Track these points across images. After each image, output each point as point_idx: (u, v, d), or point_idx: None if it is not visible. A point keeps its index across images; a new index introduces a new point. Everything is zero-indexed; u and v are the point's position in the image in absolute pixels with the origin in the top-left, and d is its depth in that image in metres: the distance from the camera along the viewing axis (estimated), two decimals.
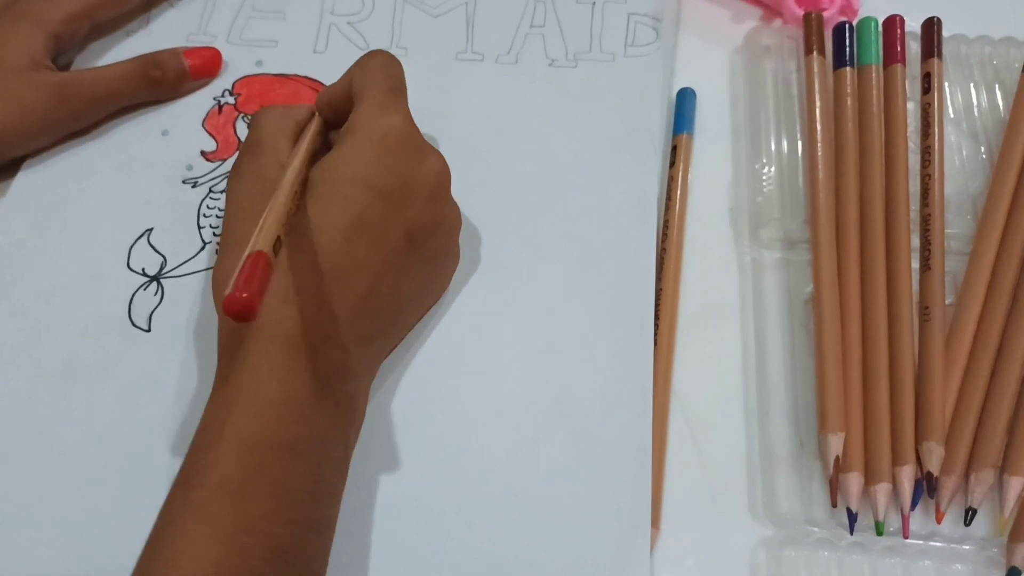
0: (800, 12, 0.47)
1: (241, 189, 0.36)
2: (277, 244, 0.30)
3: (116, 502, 0.36)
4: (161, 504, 0.32)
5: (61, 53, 0.46)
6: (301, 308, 0.32)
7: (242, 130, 0.45)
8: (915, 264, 0.40)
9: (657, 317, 0.39)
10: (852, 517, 0.35)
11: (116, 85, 0.44)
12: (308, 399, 0.32)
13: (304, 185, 0.34)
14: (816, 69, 0.45)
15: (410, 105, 0.39)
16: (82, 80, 0.44)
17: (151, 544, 0.30)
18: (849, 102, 0.43)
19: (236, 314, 0.26)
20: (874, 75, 0.44)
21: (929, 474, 0.35)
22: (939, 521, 0.35)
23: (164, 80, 0.45)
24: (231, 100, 0.46)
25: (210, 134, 0.45)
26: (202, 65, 0.46)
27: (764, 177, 0.44)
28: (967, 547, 0.35)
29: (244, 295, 0.26)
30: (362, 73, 0.37)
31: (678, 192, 0.43)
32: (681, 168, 0.44)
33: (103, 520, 0.35)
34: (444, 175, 0.37)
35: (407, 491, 0.36)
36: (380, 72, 0.37)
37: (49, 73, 0.43)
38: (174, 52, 0.46)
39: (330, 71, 0.44)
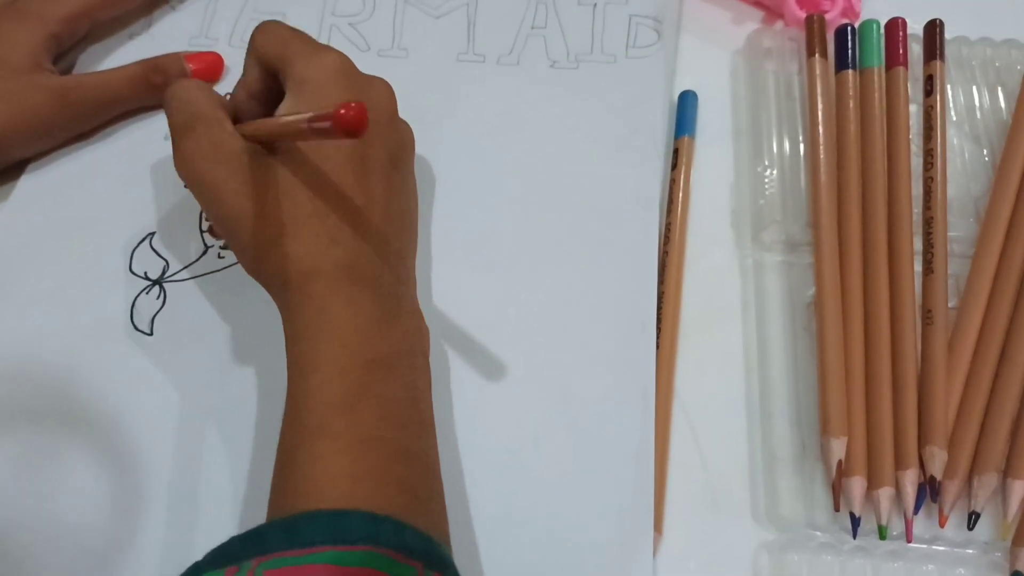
0: (802, 14, 0.47)
1: (204, 168, 0.35)
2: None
3: (119, 504, 0.36)
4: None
5: (61, 54, 0.46)
6: (345, 247, 0.34)
7: None
8: (917, 267, 0.40)
9: (659, 320, 0.39)
10: (855, 521, 0.35)
11: (118, 90, 0.44)
12: (381, 320, 0.34)
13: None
14: (818, 71, 0.44)
15: (411, 106, 0.39)
16: (84, 84, 0.44)
17: (281, 471, 0.32)
18: (851, 104, 0.43)
19: (353, 122, 0.28)
20: (876, 77, 0.44)
21: (932, 478, 0.35)
22: (942, 525, 0.35)
23: (166, 85, 0.45)
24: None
25: None
26: (204, 70, 0.46)
27: (766, 180, 0.44)
28: (970, 551, 0.35)
29: (352, 109, 0.28)
30: (268, 44, 0.38)
31: (680, 195, 0.43)
32: (683, 171, 0.44)
33: (105, 522, 0.35)
34: (392, 95, 0.38)
35: None
36: (283, 33, 0.38)
37: (51, 75, 0.43)
38: (176, 57, 0.46)
39: None
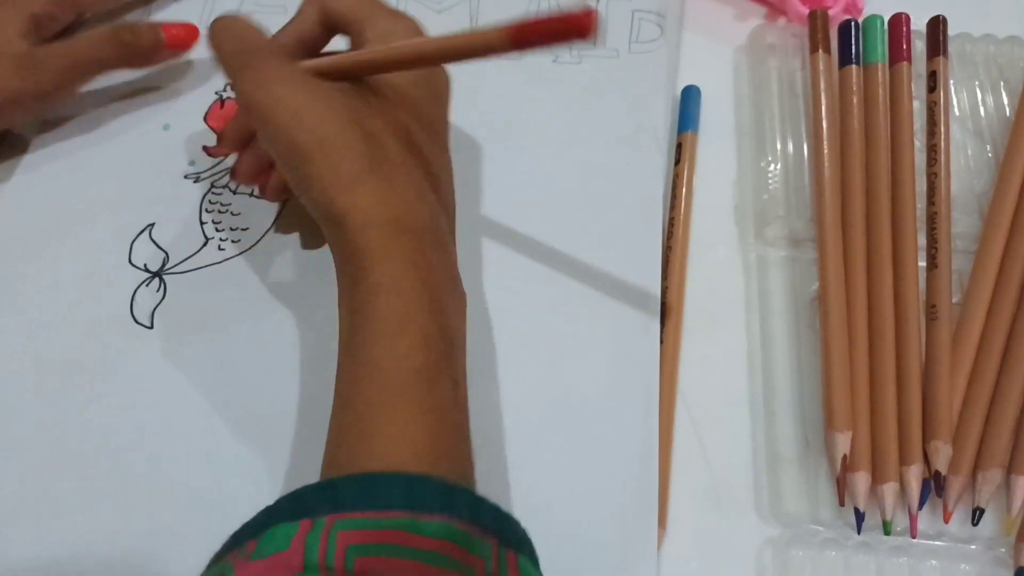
0: (805, 10, 0.47)
1: (283, 91, 0.32)
2: None
3: (118, 499, 0.35)
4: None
5: (43, 39, 0.44)
6: (431, 207, 0.34)
7: None
8: (921, 263, 0.40)
9: (662, 316, 0.39)
10: (859, 516, 0.35)
11: (86, 52, 0.43)
12: (452, 290, 0.34)
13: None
14: (821, 67, 0.44)
15: None
16: (50, 50, 0.42)
17: (355, 430, 0.30)
18: (854, 100, 0.43)
19: (590, 25, 0.27)
20: (880, 73, 0.44)
21: (937, 473, 0.35)
22: (946, 521, 0.35)
23: (135, 44, 0.44)
24: (233, 94, 0.46)
25: (212, 129, 0.45)
26: (178, 35, 0.45)
27: (769, 175, 0.43)
28: (974, 547, 0.35)
29: (588, 11, 0.26)
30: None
31: (683, 190, 0.43)
32: (686, 166, 0.44)
33: (104, 518, 0.35)
34: (449, 81, 0.38)
35: None
36: None
37: (19, 45, 0.41)
38: (150, 24, 0.45)
39: None
